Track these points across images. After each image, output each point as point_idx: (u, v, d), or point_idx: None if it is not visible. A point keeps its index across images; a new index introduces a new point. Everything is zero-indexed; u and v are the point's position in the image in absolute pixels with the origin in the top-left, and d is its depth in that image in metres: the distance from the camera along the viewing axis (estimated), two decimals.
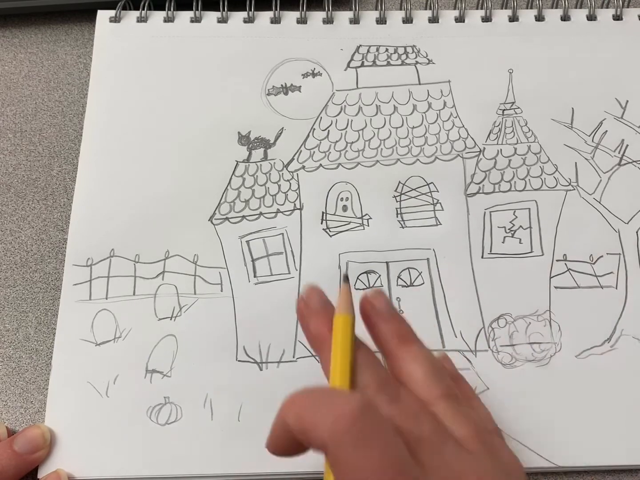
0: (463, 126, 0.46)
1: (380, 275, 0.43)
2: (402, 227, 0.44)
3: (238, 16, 0.49)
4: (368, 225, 0.44)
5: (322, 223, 0.44)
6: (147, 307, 0.42)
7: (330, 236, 0.44)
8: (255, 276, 0.43)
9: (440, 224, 0.44)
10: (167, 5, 0.49)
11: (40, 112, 0.49)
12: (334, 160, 0.46)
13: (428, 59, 0.48)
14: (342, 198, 0.45)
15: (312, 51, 0.48)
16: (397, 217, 0.44)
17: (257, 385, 0.41)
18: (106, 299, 0.42)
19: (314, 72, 0.48)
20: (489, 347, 0.41)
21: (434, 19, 0.49)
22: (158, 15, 0.49)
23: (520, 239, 0.44)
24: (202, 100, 0.47)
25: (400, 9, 0.50)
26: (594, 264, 0.43)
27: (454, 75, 0.48)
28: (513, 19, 0.49)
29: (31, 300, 0.44)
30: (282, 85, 0.48)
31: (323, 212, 0.44)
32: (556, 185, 0.45)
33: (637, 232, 0.44)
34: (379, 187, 0.45)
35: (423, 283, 0.43)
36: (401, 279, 0.43)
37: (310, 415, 0.26)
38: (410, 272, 0.43)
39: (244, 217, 0.44)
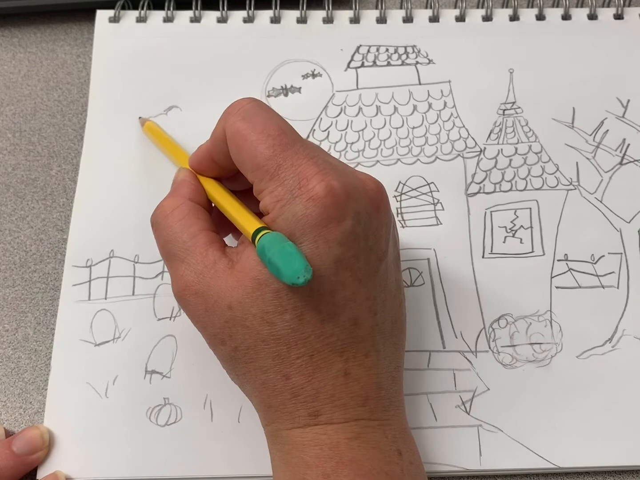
0: (463, 126, 0.46)
1: None
2: (403, 227, 0.44)
3: (238, 15, 0.49)
4: None
5: None
6: (146, 307, 0.42)
7: None
8: None
9: (441, 224, 0.44)
10: (166, 4, 0.49)
11: (40, 112, 0.48)
12: None
13: (428, 59, 0.48)
14: None
15: (312, 52, 0.48)
16: (397, 216, 0.44)
17: None
18: (105, 299, 0.42)
19: (314, 73, 0.48)
20: (490, 347, 0.41)
21: (434, 18, 0.49)
22: (157, 15, 0.49)
23: (521, 239, 0.43)
24: (202, 101, 0.47)
25: (401, 8, 0.50)
26: (595, 263, 0.43)
27: (454, 75, 0.47)
28: (514, 18, 0.49)
29: (30, 301, 0.43)
30: (282, 86, 0.47)
31: None
32: (557, 185, 0.45)
33: (638, 231, 0.43)
34: None
35: (423, 283, 0.42)
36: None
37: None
38: (410, 272, 0.42)
39: None
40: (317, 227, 0.30)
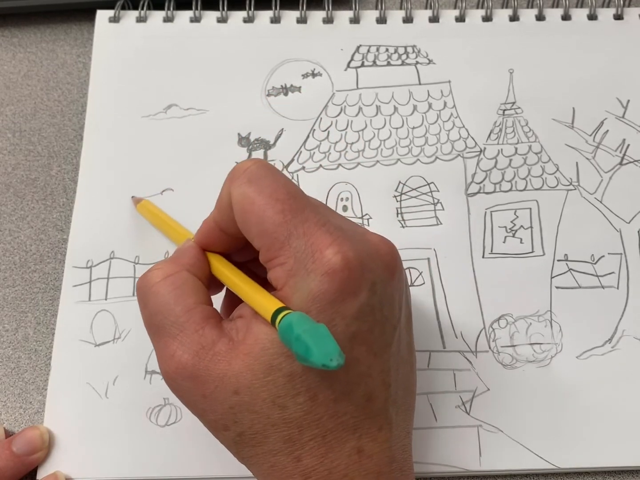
0: (463, 126, 0.46)
1: None
2: (403, 227, 0.44)
3: (238, 16, 0.49)
4: (368, 225, 0.44)
5: None
6: None
7: None
8: None
9: (441, 224, 0.44)
10: (166, 4, 0.49)
11: (40, 112, 0.48)
12: (334, 161, 0.45)
13: (428, 59, 0.48)
14: (342, 198, 0.44)
15: (312, 51, 0.48)
16: (397, 217, 0.44)
17: None
18: (105, 299, 0.42)
19: (314, 72, 0.48)
20: (490, 347, 0.41)
21: (434, 19, 0.49)
22: (157, 15, 0.49)
23: (521, 239, 0.43)
24: (202, 101, 0.47)
25: (401, 9, 0.50)
26: (595, 263, 0.43)
27: (454, 75, 0.48)
28: (514, 18, 0.49)
29: (30, 301, 0.43)
30: (282, 85, 0.47)
31: None
32: (557, 185, 0.45)
33: (638, 231, 0.44)
34: (379, 187, 0.45)
35: (424, 283, 0.42)
36: None
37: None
38: (410, 272, 0.42)
39: None
40: (334, 303, 0.29)
